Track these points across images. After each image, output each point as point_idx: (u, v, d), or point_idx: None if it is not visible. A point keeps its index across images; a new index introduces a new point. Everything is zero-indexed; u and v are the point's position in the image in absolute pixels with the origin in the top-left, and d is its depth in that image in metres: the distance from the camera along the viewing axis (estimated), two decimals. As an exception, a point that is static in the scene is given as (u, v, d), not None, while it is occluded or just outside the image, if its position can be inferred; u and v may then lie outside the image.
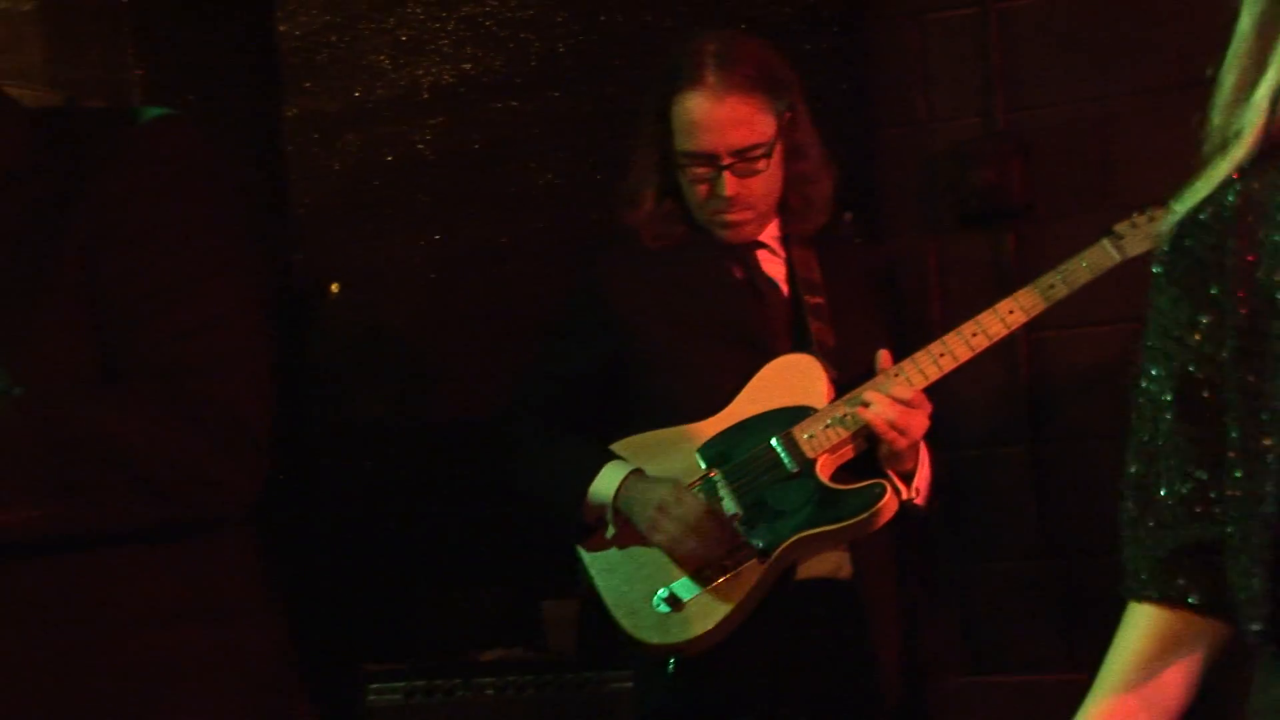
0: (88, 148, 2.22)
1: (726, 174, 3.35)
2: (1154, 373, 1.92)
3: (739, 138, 3.34)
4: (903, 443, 3.28)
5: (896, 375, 3.33)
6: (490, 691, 4.24)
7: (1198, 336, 1.85)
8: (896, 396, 3.26)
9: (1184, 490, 1.87)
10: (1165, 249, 1.89)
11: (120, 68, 4.96)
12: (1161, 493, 1.90)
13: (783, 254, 3.52)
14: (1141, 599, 1.91)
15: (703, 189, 3.39)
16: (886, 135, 4.43)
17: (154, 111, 2.31)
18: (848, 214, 3.65)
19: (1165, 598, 1.90)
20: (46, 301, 2.16)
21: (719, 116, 3.34)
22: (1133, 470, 1.94)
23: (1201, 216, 1.87)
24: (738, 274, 3.49)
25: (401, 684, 4.30)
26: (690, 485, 3.39)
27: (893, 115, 4.41)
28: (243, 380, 2.23)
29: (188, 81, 5.02)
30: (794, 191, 3.47)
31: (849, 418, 3.32)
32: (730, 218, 3.41)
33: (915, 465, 3.35)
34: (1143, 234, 3.29)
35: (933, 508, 3.47)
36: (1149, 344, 1.91)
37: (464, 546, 4.67)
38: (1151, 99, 4.11)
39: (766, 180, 3.40)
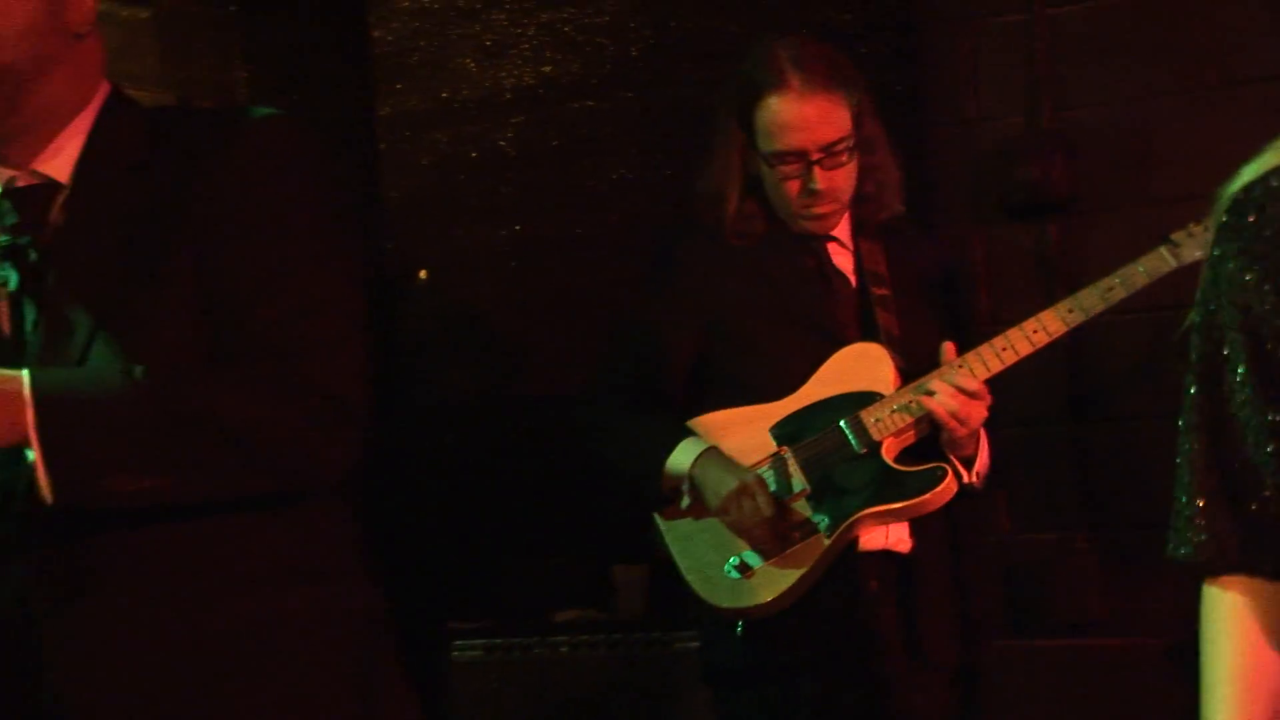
0: (201, 144, 2.23)
1: (816, 169, 3.33)
2: (1217, 343, 1.87)
3: (825, 134, 3.32)
4: (963, 431, 3.27)
5: (960, 367, 3.31)
6: (564, 649, 4.27)
7: (1266, 304, 1.79)
8: (961, 387, 3.25)
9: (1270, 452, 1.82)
10: (1228, 216, 1.84)
11: (227, 71, 5.04)
12: (1243, 461, 1.85)
13: (851, 247, 3.50)
14: (1231, 573, 1.86)
15: (793, 185, 3.37)
16: (937, 134, 4.38)
17: (262, 111, 2.32)
18: (901, 208, 3.58)
19: (1257, 570, 1.86)
20: (163, 287, 2.17)
21: (806, 115, 3.32)
22: (1197, 447, 1.89)
23: (1274, 183, 1.82)
24: (810, 265, 3.48)
25: (483, 641, 4.34)
26: (760, 464, 3.38)
27: (943, 115, 4.35)
28: (342, 361, 2.24)
29: (289, 83, 5.08)
30: (868, 181, 3.46)
31: (914, 404, 3.32)
32: (819, 210, 3.40)
33: (975, 451, 3.34)
34: (1197, 242, 3.25)
35: (989, 489, 3.46)
36: (1209, 310, 1.87)
37: (542, 515, 4.65)
38: (1190, 99, 4.07)
39: (849, 172, 3.39)
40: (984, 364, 3.32)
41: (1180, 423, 1.90)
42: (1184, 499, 1.89)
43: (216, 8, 5.09)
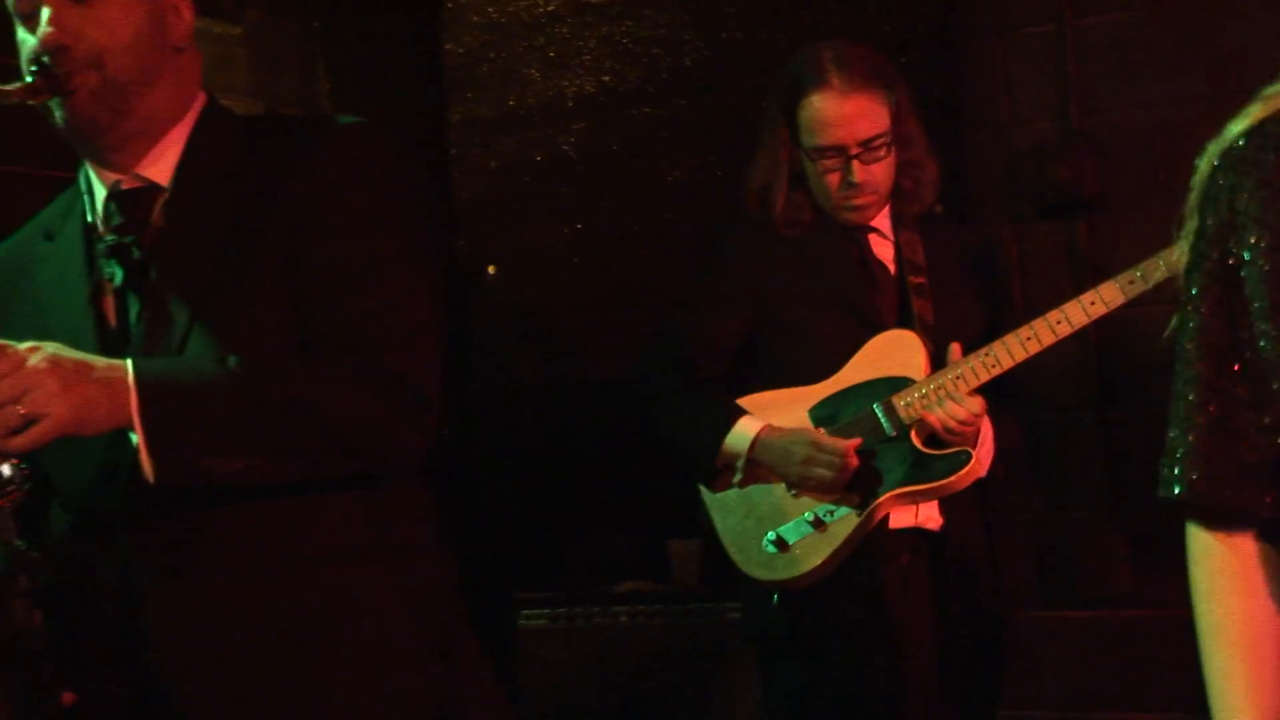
0: (292, 150, 2.26)
1: (855, 163, 3.34)
2: (1224, 276, 1.83)
3: (864, 129, 3.33)
4: (959, 440, 3.28)
5: (970, 370, 3.29)
6: (624, 618, 4.27)
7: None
8: (961, 409, 3.24)
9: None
10: (1242, 151, 1.81)
11: (311, 82, 5.05)
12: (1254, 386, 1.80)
13: (891, 237, 3.50)
14: (1224, 513, 1.79)
15: (834, 178, 3.38)
16: (974, 136, 4.40)
17: (347, 120, 2.36)
18: (938, 206, 3.58)
19: (1250, 512, 1.80)
20: (256, 283, 2.20)
21: (846, 112, 3.33)
22: (1198, 378, 1.83)
23: (1240, 144, 1.81)
24: (851, 254, 3.47)
25: (547, 610, 4.35)
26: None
27: (979, 119, 4.38)
28: (419, 351, 2.25)
29: (368, 93, 5.10)
30: (905, 176, 3.46)
31: (929, 399, 3.33)
32: (857, 202, 3.40)
33: (976, 442, 3.32)
34: (1163, 271, 3.22)
35: (999, 472, 3.44)
36: (1211, 242, 1.83)
37: (602, 492, 4.62)
38: (1210, 103, 4.04)
39: (886, 166, 3.40)
40: (1009, 354, 3.30)
41: (1178, 364, 1.85)
42: (1177, 433, 1.84)
43: (301, 24, 5.07)
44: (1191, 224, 1.86)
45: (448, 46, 5.09)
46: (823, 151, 3.36)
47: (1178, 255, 3.11)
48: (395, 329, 2.25)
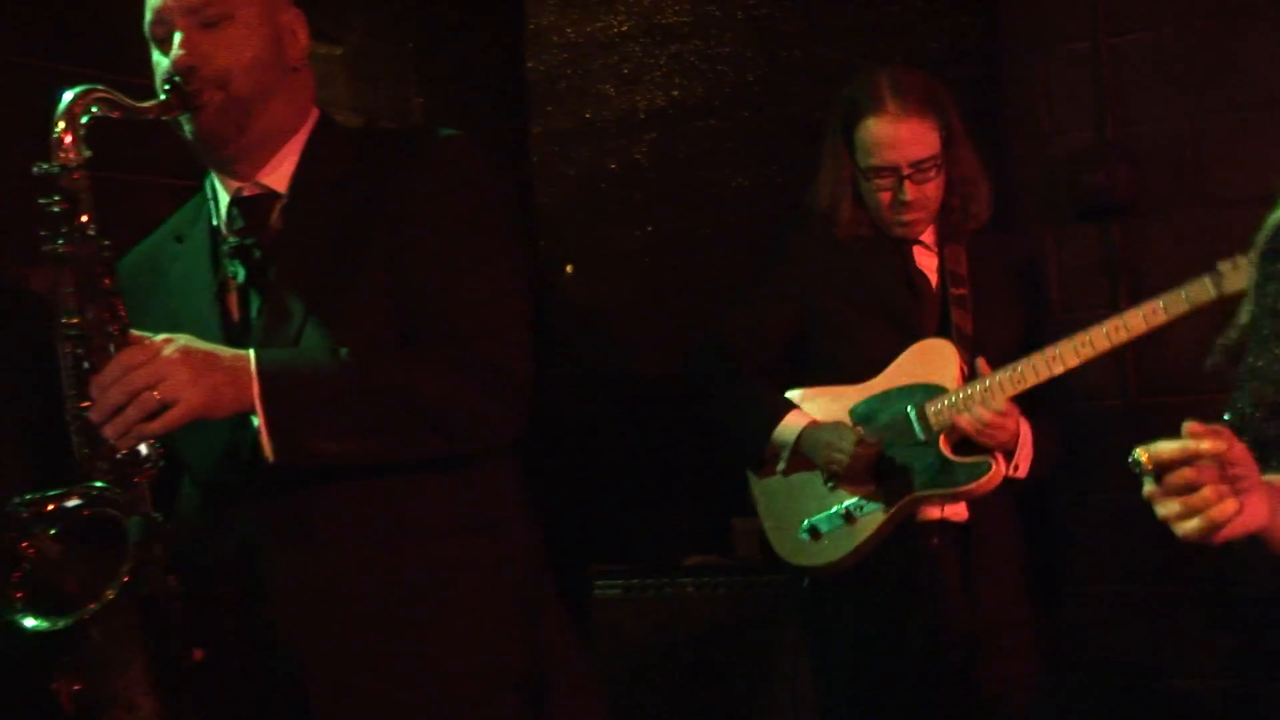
0: (397, 159, 2.28)
1: (907, 183, 3.32)
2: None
3: (915, 152, 3.32)
4: (992, 443, 3.25)
5: (995, 381, 3.25)
6: (690, 589, 4.28)
7: None
8: (986, 412, 3.22)
9: None
10: (1259, 250, 1.86)
11: (405, 97, 5.05)
12: None
13: (936, 251, 3.47)
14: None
15: (886, 196, 3.36)
16: (1015, 145, 4.36)
17: (446, 132, 2.37)
18: (987, 218, 3.53)
19: None
20: (363, 280, 2.22)
21: (900, 135, 3.32)
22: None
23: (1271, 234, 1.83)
24: (896, 266, 3.45)
25: (620, 581, 4.37)
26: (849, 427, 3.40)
27: (1020, 129, 4.34)
28: (512, 343, 2.26)
29: (457, 107, 5.10)
30: (954, 194, 3.43)
31: (961, 408, 3.29)
32: (907, 218, 3.38)
33: (1015, 447, 3.27)
34: (1241, 274, 3.07)
35: (1038, 476, 3.36)
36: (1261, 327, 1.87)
37: (670, 473, 4.66)
38: (1238, 115, 4.04)
39: (936, 186, 3.37)
40: (1026, 376, 3.26)
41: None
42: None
43: (396, 45, 5.10)
44: (1248, 280, 1.94)
45: (529, 64, 5.17)
46: (877, 171, 3.35)
47: (1198, 291, 3.14)
48: (490, 322, 2.26)
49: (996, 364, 3.28)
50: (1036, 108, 4.32)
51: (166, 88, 2.20)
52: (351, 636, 2.16)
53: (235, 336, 2.26)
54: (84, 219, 2.09)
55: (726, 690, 4.19)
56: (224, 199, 2.35)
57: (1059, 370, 3.23)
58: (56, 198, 2.08)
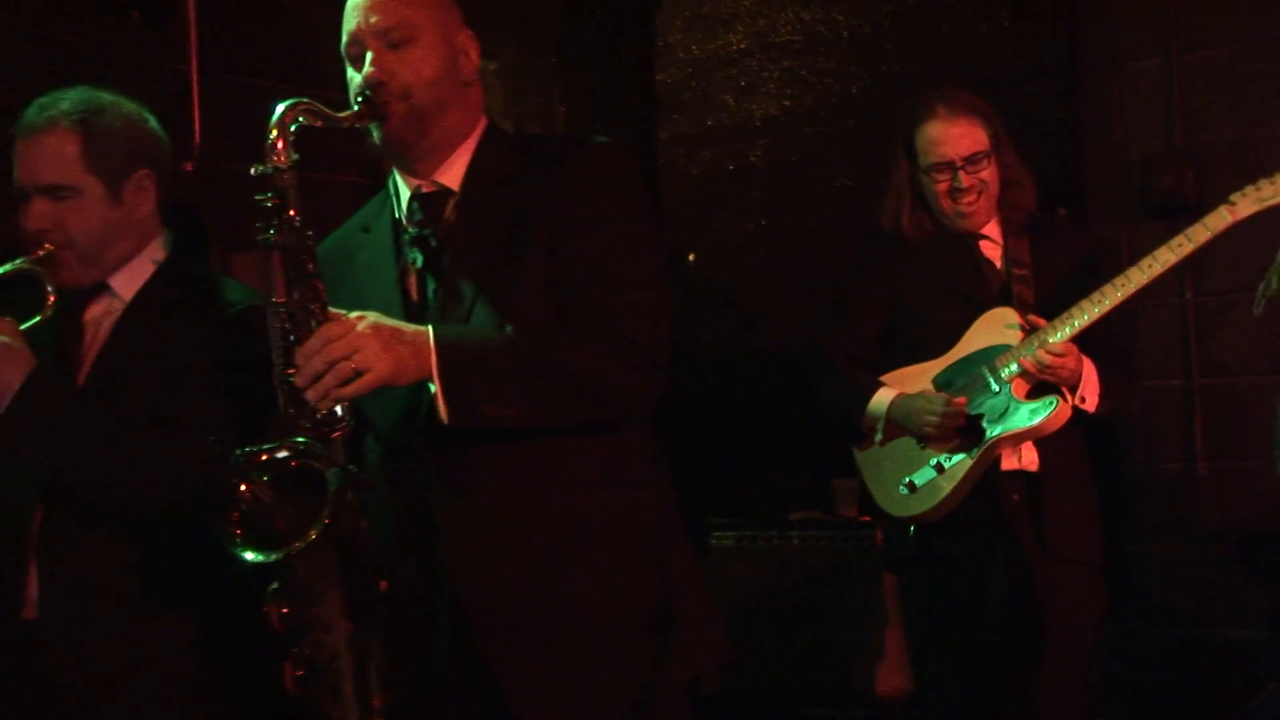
0: (556, 161, 2.30)
1: (961, 173, 3.36)
2: None
3: (966, 146, 3.36)
4: (1057, 380, 3.26)
5: (1054, 331, 3.26)
6: (796, 540, 4.34)
7: None
8: (1047, 352, 3.22)
9: None
10: None
11: (550, 106, 5.17)
12: None
13: (1000, 241, 3.49)
14: None
15: (944, 187, 3.39)
16: (1092, 151, 4.35)
17: (600, 139, 2.38)
18: (1062, 209, 3.59)
19: None
20: (525, 267, 2.25)
21: (951, 134, 3.36)
22: None
23: None
24: (965, 256, 3.48)
25: (733, 533, 4.42)
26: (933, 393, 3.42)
27: (1097, 136, 4.33)
28: (654, 324, 2.28)
29: (594, 115, 5.21)
30: (1009, 191, 3.45)
31: (1022, 356, 3.30)
32: (966, 208, 3.40)
33: (1079, 381, 3.27)
34: (1252, 199, 3.16)
35: (1108, 413, 3.34)
36: None
37: (780, 439, 4.63)
38: None
39: (988, 176, 3.39)
40: (1084, 314, 3.26)
41: None
42: None
43: (543, 61, 5.19)
44: None
45: (658, 77, 5.21)
46: (935, 167, 3.39)
47: (1216, 219, 3.17)
48: (636, 305, 2.28)
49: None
50: (1111, 118, 4.31)
51: (359, 99, 2.26)
52: (508, 572, 2.20)
53: (414, 314, 2.29)
54: (292, 213, 2.15)
55: (824, 629, 4.22)
56: (405, 195, 2.39)
57: (1106, 306, 3.24)
58: (270, 194, 2.14)
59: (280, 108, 2.16)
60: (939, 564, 3.45)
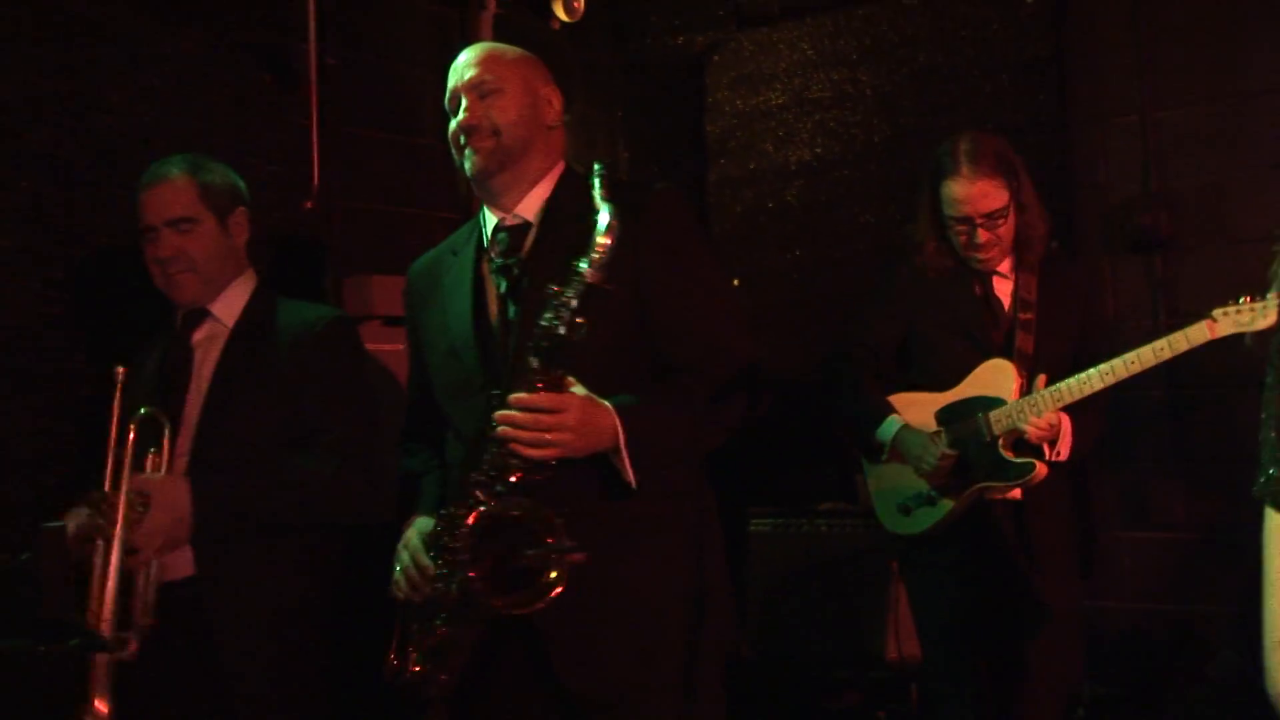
0: (625, 203, 2.24)
1: (979, 230, 3.35)
2: None
3: (985, 206, 3.34)
4: (1042, 441, 3.31)
5: (1044, 399, 3.27)
6: (824, 528, 4.41)
7: None
8: (1039, 420, 3.27)
9: None
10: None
11: (615, 152, 5.29)
12: None
13: (1011, 279, 3.45)
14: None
15: (964, 239, 3.40)
16: (1080, 194, 4.42)
17: (662, 184, 2.44)
18: (1055, 243, 3.59)
19: None
20: (616, 304, 2.27)
21: (972, 194, 3.34)
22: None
23: None
24: (977, 293, 3.46)
25: (770, 520, 4.48)
26: (934, 435, 3.41)
27: (1084, 181, 4.39)
28: (740, 339, 2.40)
29: (654, 159, 5.31)
30: (1024, 234, 3.42)
31: (1016, 418, 3.31)
32: (981, 256, 3.41)
33: (1058, 437, 3.32)
34: (1231, 321, 3.10)
35: (1078, 455, 3.34)
36: None
37: (810, 439, 4.63)
38: (1254, 172, 4.10)
39: (1005, 231, 3.38)
40: (1069, 392, 3.28)
41: (1264, 407, 1.79)
42: (1267, 457, 1.78)
43: (608, 113, 5.29)
44: (1273, 301, 1.82)
45: (708, 128, 5.27)
46: (956, 220, 3.38)
47: (1196, 333, 3.12)
48: (722, 325, 2.38)
49: (1052, 372, 3.30)
50: (1096, 165, 4.39)
51: (460, 140, 2.40)
52: (589, 568, 2.21)
53: (492, 334, 2.35)
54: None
55: (846, 603, 4.30)
56: (490, 225, 2.45)
57: (1089, 391, 3.25)
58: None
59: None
60: (928, 567, 3.51)
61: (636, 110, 5.33)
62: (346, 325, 3.00)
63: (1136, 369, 3.22)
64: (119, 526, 2.49)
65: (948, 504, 3.40)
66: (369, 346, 3.66)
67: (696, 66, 5.30)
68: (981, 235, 3.38)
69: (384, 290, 3.92)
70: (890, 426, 3.46)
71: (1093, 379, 3.26)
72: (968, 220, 3.39)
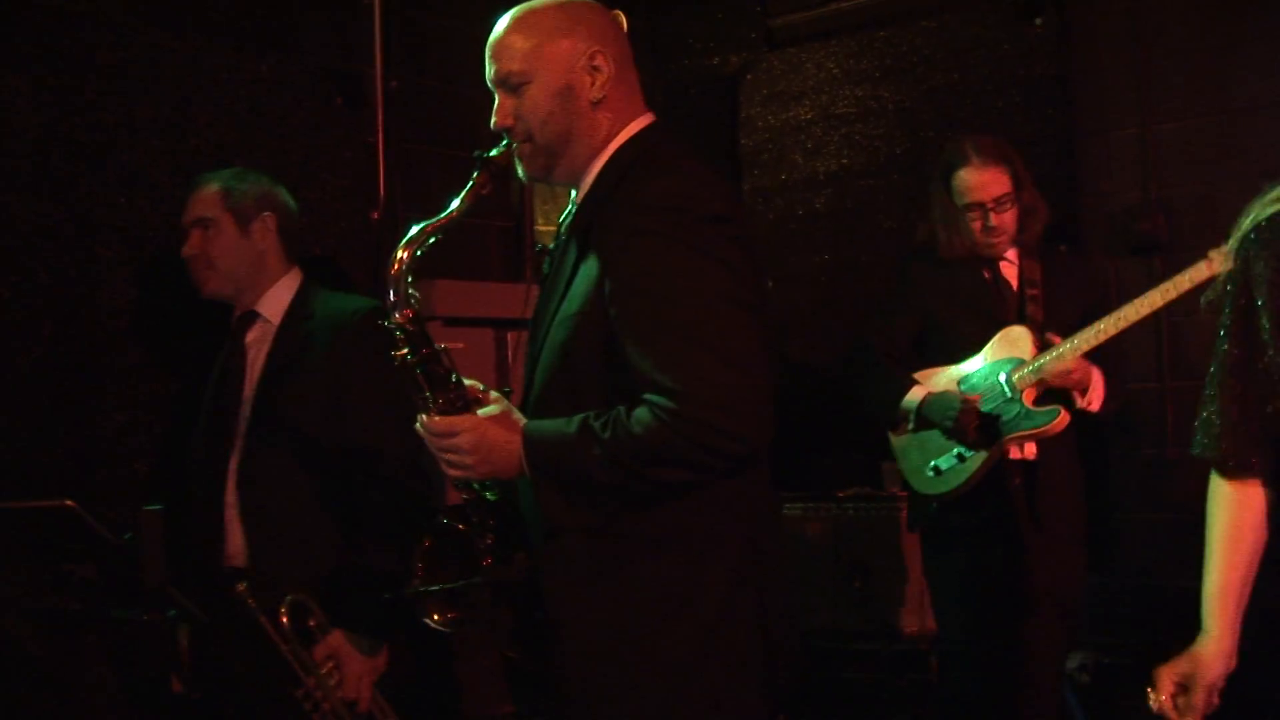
0: (623, 191, 2.01)
1: (991, 214, 3.37)
2: (1246, 311, 1.80)
3: (994, 191, 3.37)
4: (1071, 385, 3.30)
5: (1065, 347, 3.28)
6: (850, 511, 4.45)
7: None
8: (1061, 364, 3.28)
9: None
10: (1258, 236, 1.80)
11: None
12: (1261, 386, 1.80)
13: (1016, 264, 3.48)
14: (1238, 471, 1.85)
15: (977, 225, 3.40)
16: (1085, 201, 4.45)
17: (666, 175, 2.07)
18: (1062, 247, 3.62)
19: (1254, 471, 1.83)
20: (580, 303, 2.03)
21: (984, 180, 3.37)
22: (1227, 379, 1.81)
23: (1265, 223, 1.81)
24: (987, 277, 3.48)
25: (801, 504, 4.52)
26: (957, 394, 3.40)
27: (1088, 190, 4.42)
28: (727, 387, 1.90)
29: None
30: (1027, 222, 3.44)
31: (1035, 368, 3.33)
32: (994, 240, 3.42)
33: (1089, 386, 3.30)
34: (1224, 257, 2.72)
35: (1106, 414, 3.33)
36: (1238, 289, 1.81)
37: (838, 429, 4.61)
38: (1245, 181, 3.34)
39: (1013, 214, 3.40)
40: (1086, 341, 3.27)
41: (1214, 364, 1.87)
42: (1210, 414, 1.87)
43: None
44: (1227, 265, 1.88)
45: (742, 141, 5.31)
46: (969, 207, 3.40)
47: (1196, 270, 3.12)
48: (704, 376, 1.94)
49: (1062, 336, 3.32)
50: (1100, 174, 4.42)
51: (502, 141, 2.09)
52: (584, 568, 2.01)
53: (530, 327, 2.13)
54: (425, 346, 2.01)
55: (869, 582, 4.35)
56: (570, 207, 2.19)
57: (1105, 336, 3.23)
58: (403, 338, 2.02)
59: (400, 255, 1.99)
60: (954, 532, 3.49)
61: (675, 126, 4.55)
62: (382, 315, 2.79)
63: (1146, 311, 3.23)
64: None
65: (978, 459, 3.39)
66: (432, 346, 3.80)
67: (730, 85, 5.32)
68: (993, 219, 3.41)
69: (445, 293, 3.94)
70: (916, 394, 3.46)
71: (1106, 325, 3.26)
72: (980, 206, 3.42)
